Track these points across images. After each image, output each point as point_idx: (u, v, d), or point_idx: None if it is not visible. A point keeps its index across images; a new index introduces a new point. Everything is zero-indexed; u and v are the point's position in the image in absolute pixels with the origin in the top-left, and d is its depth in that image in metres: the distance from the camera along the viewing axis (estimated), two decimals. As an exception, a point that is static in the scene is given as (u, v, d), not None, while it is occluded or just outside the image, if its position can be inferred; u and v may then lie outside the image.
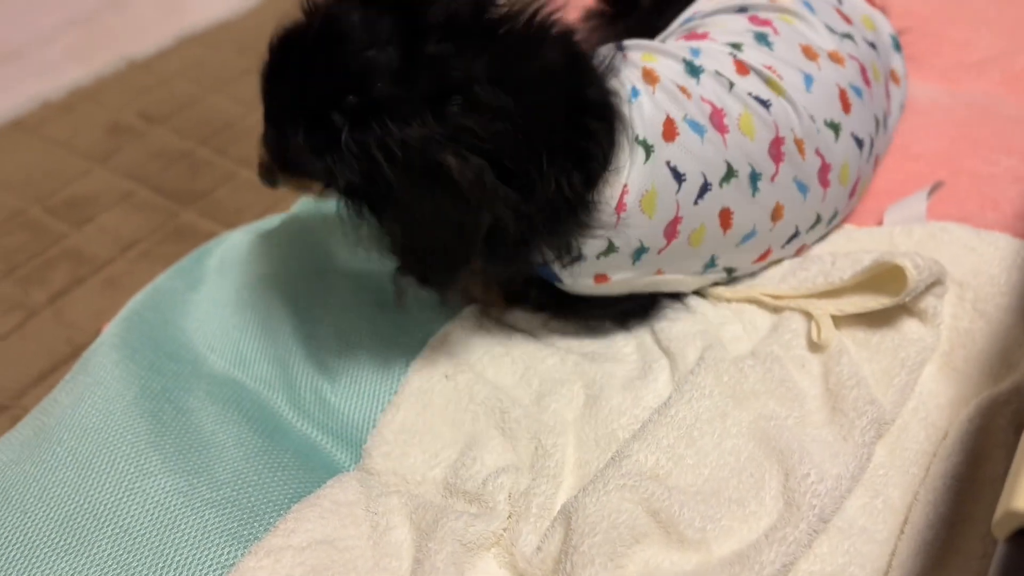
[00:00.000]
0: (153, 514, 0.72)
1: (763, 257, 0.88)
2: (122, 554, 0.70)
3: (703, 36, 0.88)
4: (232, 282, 0.97)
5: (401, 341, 0.88)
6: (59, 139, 1.44)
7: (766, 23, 0.89)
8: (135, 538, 0.71)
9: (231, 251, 1.02)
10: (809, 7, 0.94)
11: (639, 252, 0.79)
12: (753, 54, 0.85)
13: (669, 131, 0.77)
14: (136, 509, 0.72)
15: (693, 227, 0.80)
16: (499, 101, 0.66)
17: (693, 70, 0.81)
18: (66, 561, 0.70)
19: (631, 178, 0.75)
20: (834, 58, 0.89)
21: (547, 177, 0.69)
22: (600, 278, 0.80)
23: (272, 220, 1.10)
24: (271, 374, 0.86)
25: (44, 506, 0.73)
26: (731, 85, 0.82)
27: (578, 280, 0.80)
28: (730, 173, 0.80)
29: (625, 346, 0.85)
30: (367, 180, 0.67)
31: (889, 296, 0.80)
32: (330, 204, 1.10)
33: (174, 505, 0.72)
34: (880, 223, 0.95)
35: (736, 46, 0.86)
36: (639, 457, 0.70)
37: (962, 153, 1.05)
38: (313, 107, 0.69)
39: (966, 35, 1.26)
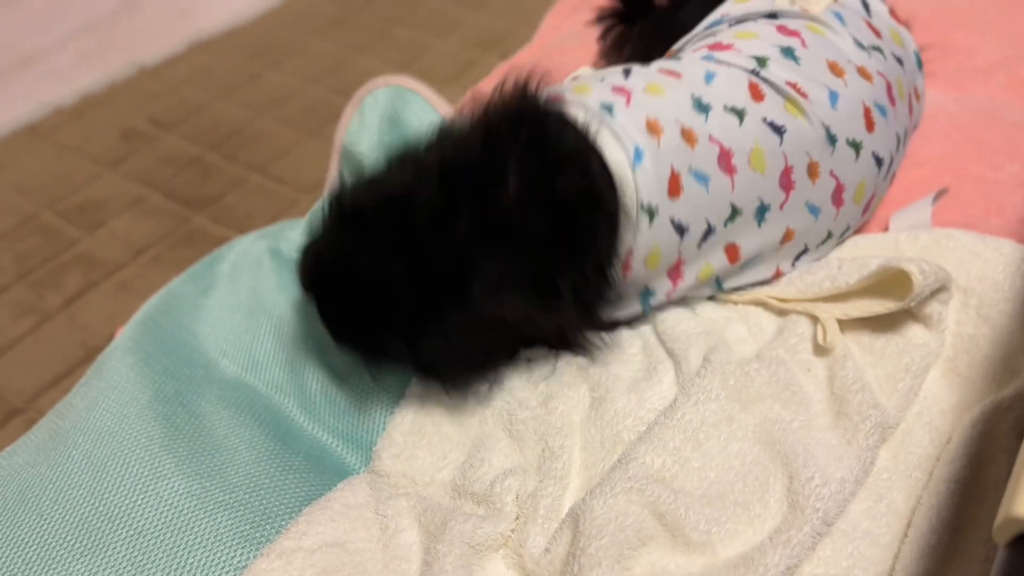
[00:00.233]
0: (167, 516, 0.73)
1: (774, 276, 0.89)
2: (136, 556, 0.71)
3: (728, 47, 0.87)
4: (244, 287, 0.98)
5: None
6: (71, 144, 1.46)
7: (795, 34, 0.88)
8: (149, 540, 0.72)
9: (243, 256, 1.03)
10: (840, 18, 0.93)
11: (646, 295, 0.83)
12: (778, 70, 0.83)
13: (674, 187, 0.76)
14: (150, 511, 0.73)
15: (699, 267, 0.82)
16: (517, 266, 0.72)
17: (701, 107, 0.79)
18: (81, 562, 0.71)
19: (636, 243, 0.76)
20: (862, 73, 0.88)
21: (565, 286, 0.74)
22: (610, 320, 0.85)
23: (283, 225, 1.11)
24: (282, 378, 0.88)
25: (60, 508, 0.74)
26: (742, 118, 0.80)
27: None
28: (735, 213, 0.81)
29: (630, 347, 0.86)
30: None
31: (895, 301, 0.81)
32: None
33: (187, 508, 0.73)
34: (886, 229, 0.95)
35: (761, 61, 0.84)
36: (645, 460, 0.71)
37: (967, 159, 1.05)
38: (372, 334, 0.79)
39: (971, 40, 1.27)
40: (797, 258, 0.88)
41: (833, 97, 0.85)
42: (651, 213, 0.76)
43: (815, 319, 0.84)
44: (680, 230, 0.79)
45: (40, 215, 1.31)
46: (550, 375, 0.82)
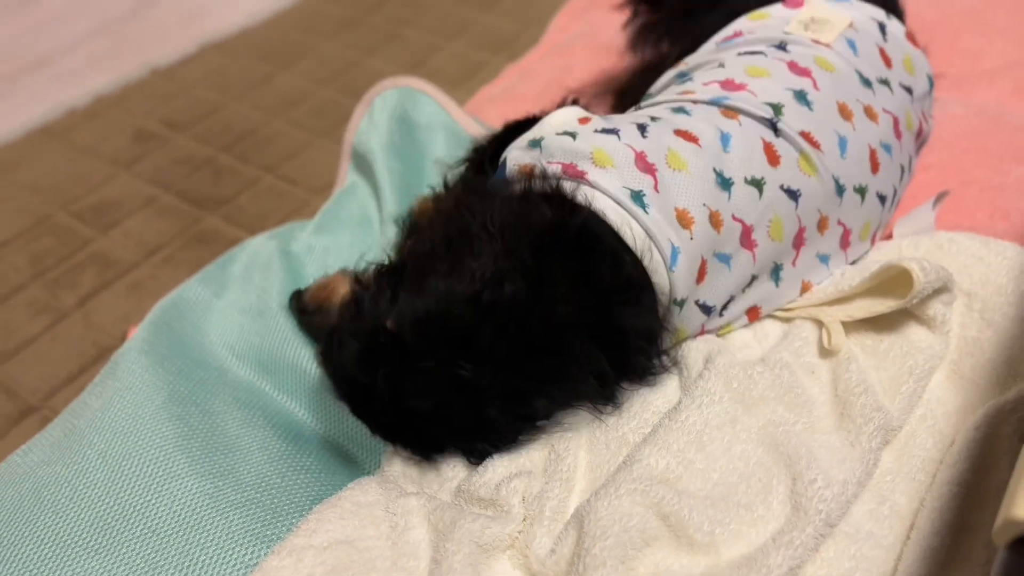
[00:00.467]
0: (180, 515, 0.74)
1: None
2: (150, 553, 0.72)
3: (741, 87, 0.86)
4: (254, 288, 0.99)
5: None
6: (85, 145, 1.47)
7: (806, 73, 0.87)
8: (163, 538, 0.73)
9: (254, 257, 1.04)
10: (852, 46, 0.92)
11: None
12: (793, 119, 0.83)
13: (700, 274, 0.78)
14: (164, 510, 0.75)
15: (720, 326, 0.85)
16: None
17: (724, 183, 0.78)
18: (97, 559, 0.72)
19: (665, 332, 0.78)
20: (869, 114, 0.88)
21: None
22: None
23: (293, 226, 1.13)
24: (292, 381, 0.89)
25: (76, 506, 0.76)
26: (761, 190, 0.79)
27: None
28: (753, 279, 0.83)
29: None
30: None
31: (897, 299, 0.82)
32: (351, 213, 1.14)
33: (200, 506, 0.75)
34: (890, 235, 0.96)
35: (777, 109, 0.83)
36: (650, 461, 0.72)
37: (972, 163, 1.05)
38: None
39: (977, 44, 1.27)
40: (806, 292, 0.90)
41: (843, 144, 0.85)
42: (681, 304, 0.78)
43: (819, 323, 0.84)
44: (705, 309, 0.81)
45: (54, 215, 1.32)
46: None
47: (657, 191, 0.76)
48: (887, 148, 0.89)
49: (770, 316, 0.88)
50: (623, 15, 1.20)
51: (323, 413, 0.87)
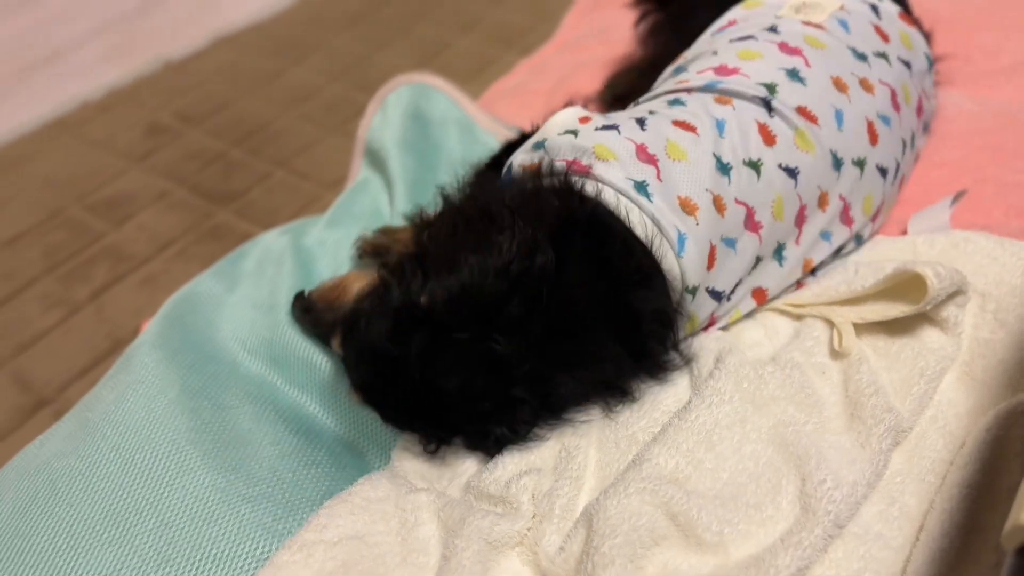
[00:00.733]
0: (192, 508, 0.75)
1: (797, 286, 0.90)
2: (163, 546, 0.73)
3: (734, 71, 0.87)
4: (267, 284, 1.00)
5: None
6: (98, 139, 1.48)
7: (796, 52, 0.88)
8: (175, 531, 0.74)
9: (266, 252, 1.05)
10: (844, 25, 0.93)
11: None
12: (788, 96, 0.84)
13: (711, 260, 0.78)
14: (176, 503, 0.75)
15: (730, 315, 0.85)
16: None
17: (723, 168, 0.79)
18: (110, 552, 0.73)
19: (679, 320, 0.78)
20: (864, 86, 0.88)
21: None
22: None
23: (305, 221, 1.13)
24: (303, 376, 0.89)
25: (89, 498, 0.76)
26: (759, 171, 0.80)
27: None
28: (758, 261, 0.83)
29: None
30: None
31: (910, 304, 0.81)
32: (363, 207, 1.14)
33: (212, 500, 0.75)
34: (904, 232, 0.95)
35: (771, 88, 0.84)
36: (659, 461, 0.72)
37: (987, 161, 1.04)
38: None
39: (995, 41, 1.26)
40: (813, 272, 0.90)
41: (839, 117, 0.85)
42: (693, 292, 0.78)
43: (831, 322, 0.84)
44: (716, 296, 0.81)
45: (68, 209, 1.33)
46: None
47: (660, 180, 0.77)
48: (885, 120, 0.90)
49: (780, 312, 0.88)
50: (634, 13, 1.20)
51: (334, 408, 0.87)
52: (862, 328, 0.84)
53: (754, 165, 0.80)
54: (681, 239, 0.75)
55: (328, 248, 1.06)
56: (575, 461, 0.75)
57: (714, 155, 0.79)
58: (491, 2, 1.78)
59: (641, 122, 0.82)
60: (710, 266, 0.78)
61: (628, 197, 0.75)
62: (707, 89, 0.86)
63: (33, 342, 1.12)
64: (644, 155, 0.78)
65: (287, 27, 1.78)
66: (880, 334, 0.84)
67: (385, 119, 1.19)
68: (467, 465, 0.78)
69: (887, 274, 0.82)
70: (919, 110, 0.98)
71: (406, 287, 0.71)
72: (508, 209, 0.72)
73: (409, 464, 0.80)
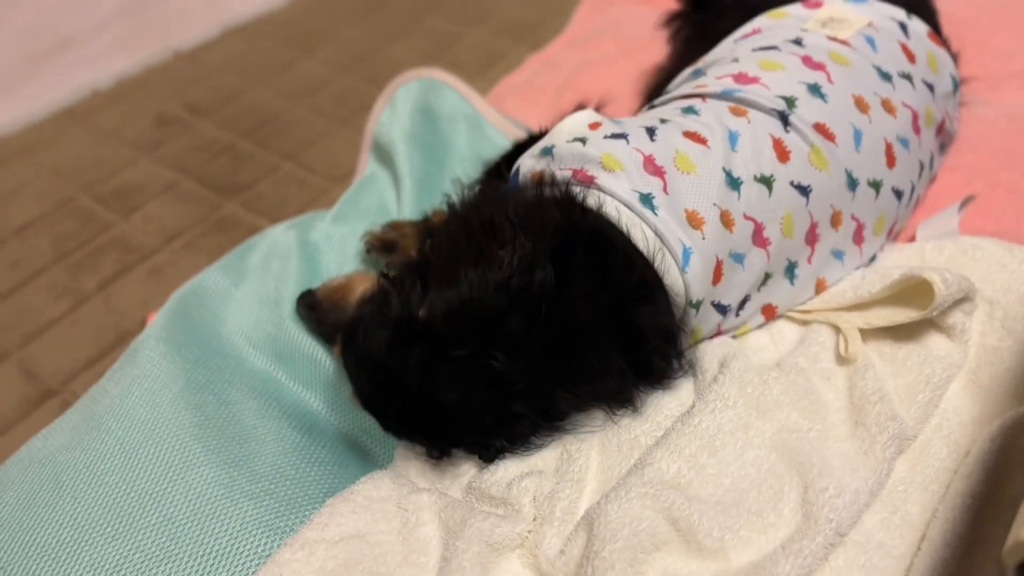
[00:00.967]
0: (195, 504, 0.75)
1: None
2: (165, 541, 0.73)
3: (754, 80, 0.85)
4: (273, 279, 1.00)
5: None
6: (108, 129, 1.48)
7: (820, 67, 0.87)
8: (178, 526, 0.74)
9: (273, 247, 1.05)
10: (871, 43, 0.92)
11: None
12: (807, 112, 0.83)
13: (717, 275, 0.77)
14: (179, 498, 0.76)
15: (737, 326, 0.85)
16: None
17: (733, 182, 0.78)
18: (113, 545, 0.73)
19: (683, 333, 0.78)
20: (886, 107, 0.87)
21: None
22: None
23: (312, 215, 1.13)
24: (308, 373, 0.90)
25: (93, 492, 0.77)
26: (771, 187, 0.79)
27: None
28: (767, 277, 0.82)
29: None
30: None
31: (917, 310, 0.81)
32: (370, 203, 1.14)
33: (215, 496, 0.76)
34: (912, 238, 0.95)
35: (790, 102, 0.83)
36: (661, 465, 0.72)
37: (1000, 165, 1.03)
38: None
39: (1010, 44, 1.25)
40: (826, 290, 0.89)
41: (858, 137, 0.84)
42: (697, 306, 0.77)
43: (837, 328, 0.84)
44: (721, 309, 0.81)
45: (77, 198, 1.34)
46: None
47: (666, 193, 0.76)
48: (904, 142, 0.89)
49: (787, 318, 0.88)
50: (646, 9, 1.19)
51: (338, 405, 0.87)
52: (868, 334, 0.83)
53: (766, 181, 0.79)
54: (686, 253, 0.75)
55: (334, 243, 1.06)
56: (577, 464, 0.75)
57: (724, 169, 0.78)
58: (502, -5, 1.78)
59: (651, 132, 0.81)
60: (716, 281, 0.77)
61: (632, 209, 0.74)
62: (724, 96, 0.85)
63: (40, 332, 1.12)
64: (652, 167, 0.77)
65: (298, 18, 1.78)
66: (886, 340, 0.83)
67: (394, 114, 1.18)
68: (469, 466, 0.78)
69: (894, 280, 0.81)
70: (939, 131, 0.97)
71: (405, 298, 0.71)
72: (510, 222, 0.72)
73: (411, 463, 0.80)
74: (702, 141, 0.80)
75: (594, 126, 0.83)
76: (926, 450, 0.77)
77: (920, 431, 0.77)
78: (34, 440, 0.84)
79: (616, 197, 0.75)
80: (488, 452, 0.76)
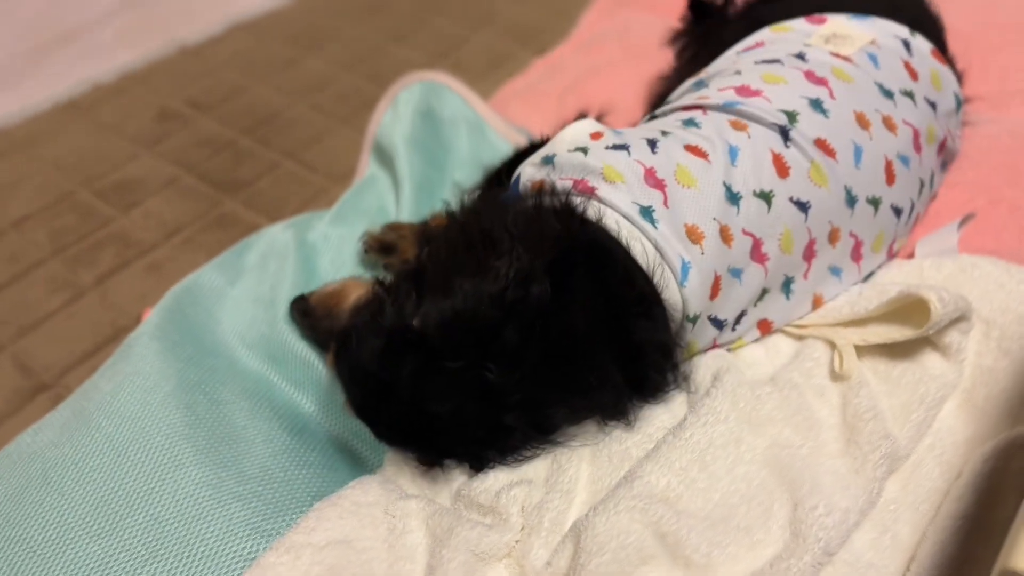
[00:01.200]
0: (182, 504, 0.75)
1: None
2: (151, 541, 0.73)
3: (756, 93, 0.85)
4: (269, 279, 1.00)
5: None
6: (109, 122, 1.48)
7: (822, 82, 0.86)
8: (164, 526, 0.74)
9: (271, 246, 1.05)
10: (873, 60, 0.91)
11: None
12: (808, 127, 0.82)
13: (714, 290, 0.77)
14: (167, 498, 0.76)
15: (732, 340, 0.84)
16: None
17: (733, 197, 0.78)
18: (98, 544, 0.73)
19: (678, 346, 0.78)
20: (887, 124, 0.87)
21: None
22: None
23: (311, 216, 1.13)
24: (300, 374, 0.90)
25: (81, 489, 0.77)
26: (770, 202, 0.79)
27: None
28: (764, 293, 0.82)
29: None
30: None
31: (913, 328, 0.80)
32: (369, 204, 1.14)
33: (202, 497, 0.75)
34: (911, 255, 0.94)
35: (791, 116, 0.83)
36: (651, 479, 0.72)
37: (1002, 182, 1.03)
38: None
39: (1016, 61, 1.24)
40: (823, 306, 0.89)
41: (858, 154, 0.84)
42: (694, 320, 0.77)
43: (832, 344, 0.83)
44: (717, 324, 0.80)
45: (77, 192, 1.33)
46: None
47: (667, 207, 0.75)
48: (904, 160, 0.88)
49: (782, 332, 0.87)
50: (652, 16, 1.19)
51: (329, 407, 0.87)
52: (863, 350, 0.83)
53: (765, 196, 0.79)
54: (685, 268, 0.74)
55: (332, 244, 1.06)
56: (567, 474, 0.75)
57: (724, 183, 0.78)
58: (509, -2, 1.77)
59: (652, 144, 0.80)
60: (714, 295, 0.77)
61: (632, 222, 0.74)
62: (725, 108, 0.84)
63: (36, 325, 1.12)
64: (653, 179, 0.77)
65: (304, 15, 1.77)
66: (881, 357, 0.83)
67: (396, 116, 1.18)
68: (458, 472, 0.78)
69: (891, 297, 0.81)
70: (941, 149, 0.97)
71: (400, 307, 0.70)
72: (508, 233, 0.71)
73: (401, 469, 0.80)
74: (703, 155, 0.79)
75: (595, 136, 0.82)
76: (918, 470, 0.76)
77: (913, 450, 0.77)
78: (24, 435, 0.84)
79: (616, 209, 0.74)
80: (479, 462, 0.76)
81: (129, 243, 1.25)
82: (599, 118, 0.90)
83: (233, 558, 0.72)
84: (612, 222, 0.74)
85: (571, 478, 0.75)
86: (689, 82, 0.96)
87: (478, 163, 1.11)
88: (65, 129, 1.47)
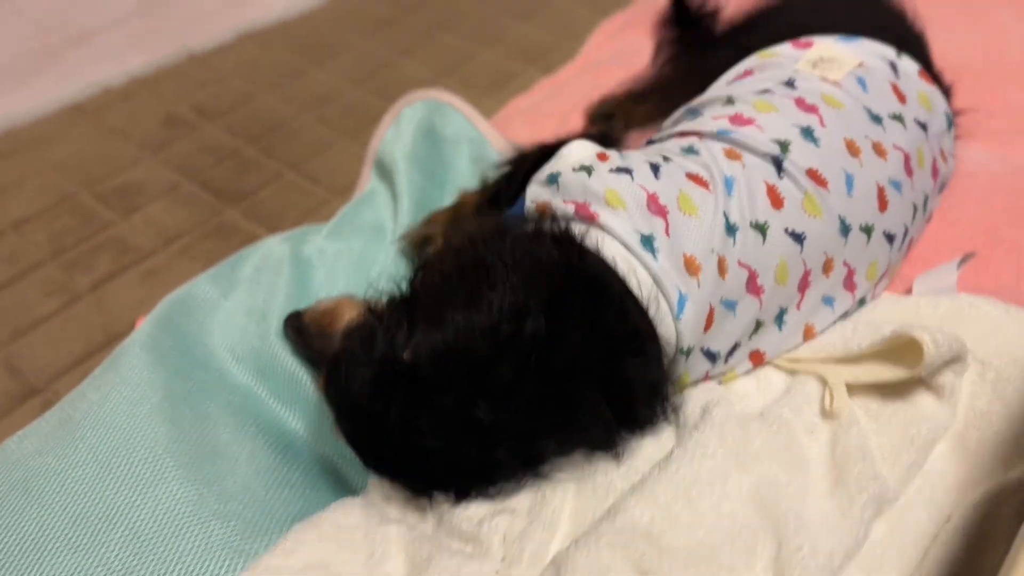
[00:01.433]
0: (162, 521, 0.75)
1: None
2: (128, 557, 0.72)
3: (749, 122, 0.85)
4: (262, 292, 0.99)
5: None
6: (115, 126, 1.49)
7: (813, 110, 0.86)
8: (142, 542, 0.73)
9: (266, 259, 1.04)
10: (862, 83, 0.91)
11: None
12: (800, 157, 0.82)
13: (708, 322, 0.76)
14: (146, 514, 0.75)
15: (724, 372, 0.83)
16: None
17: (730, 229, 0.77)
18: (75, 557, 0.73)
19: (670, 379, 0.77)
20: (878, 150, 0.86)
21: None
22: None
23: (307, 229, 1.12)
24: (288, 391, 0.89)
25: (61, 501, 0.76)
26: (765, 234, 0.78)
27: None
28: (759, 325, 0.81)
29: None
30: None
31: (906, 368, 0.80)
32: (366, 220, 1.13)
33: (182, 514, 0.75)
34: (909, 290, 0.94)
35: (784, 146, 0.82)
36: (634, 513, 0.71)
37: (1003, 222, 1.02)
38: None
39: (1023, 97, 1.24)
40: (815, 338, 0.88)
41: (849, 182, 0.83)
42: (687, 353, 0.77)
43: (824, 380, 0.82)
44: (711, 356, 0.80)
45: (78, 195, 1.33)
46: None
47: (668, 235, 0.75)
48: (896, 185, 0.88)
49: (774, 366, 0.87)
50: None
51: (316, 425, 0.87)
52: (855, 388, 0.82)
53: (760, 228, 0.78)
54: (681, 301, 0.74)
55: (327, 258, 1.05)
56: (550, 506, 0.74)
57: (724, 213, 0.78)
58: (518, 17, 1.77)
59: (656, 168, 0.80)
60: (707, 328, 0.76)
61: (632, 252, 0.73)
62: (719, 137, 0.84)
63: (29, 329, 1.12)
64: (655, 206, 0.76)
65: (314, 27, 1.78)
66: (873, 396, 0.82)
67: (398, 133, 1.18)
68: (442, 498, 0.77)
69: (885, 336, 0.80)
70: (934, 172, 0.96)
71: (391, 337, 0.69)
72: (503, 262, 0.70)
73: (385, 491, 0.79)
74: (704, 184, 0.79)
75: (601, 156, 0.82)
76: (906, 513, 0.75)
77: (902, 493, 0.76)
78: (8, 442, 0.84)
79: (617, 237, 0.74)
80: (467, 497, 0.74)
81: (127, 249, 1.25)
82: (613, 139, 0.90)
83: (210, 577, 0.71)
84: (611, 253, 0.73)
85: (554, 509, 0.74)
86: (681, 110, 0.96)
87: (478, 181, 1.10)
88: (71, 131, 1.47)
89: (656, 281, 0.73)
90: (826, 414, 0.80)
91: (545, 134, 1.24)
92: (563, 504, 0.75)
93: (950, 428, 0.81)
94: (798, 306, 0.83)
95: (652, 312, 0.72)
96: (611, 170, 0.80)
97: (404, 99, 1.21)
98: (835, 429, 0.79)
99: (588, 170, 0.80)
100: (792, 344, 0.86)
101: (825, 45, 0.97)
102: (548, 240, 0.73)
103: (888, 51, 0.97)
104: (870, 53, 0.96)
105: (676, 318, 0.73)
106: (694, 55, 1.16)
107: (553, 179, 0.81)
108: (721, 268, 0.76)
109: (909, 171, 0.89)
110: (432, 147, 1.17)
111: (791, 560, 0.68)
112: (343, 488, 0.82)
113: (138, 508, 0.75)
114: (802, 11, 1.11)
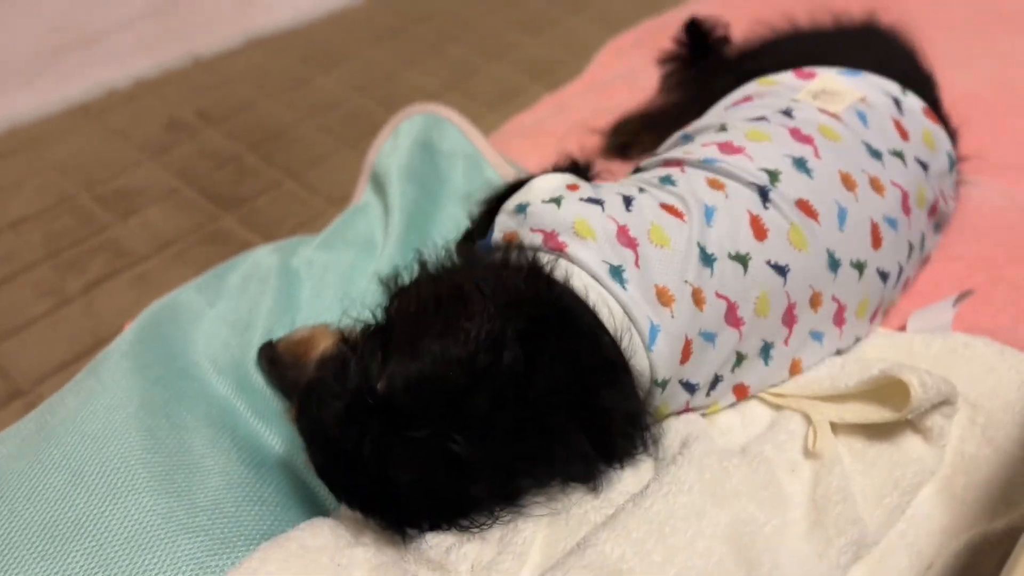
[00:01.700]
0: (130, 532, 0.73)
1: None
2: (94, 568, 0.71)
3: (739, 151, 0.83)
4: (248, 302, 0.98)
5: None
6: (118, 128, 1.49)
7: (808, 140, 0.84)
8: (109, 554, 0.72)
9: (254, 269, 1.04)
10: (862, 118, 0.89)
11: None
12: (789, 187, 0.80)
13: (685, 354, 0.75)
14: (115, 524, 0.74)
15: (706, 405, 0.82)
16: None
17: (707, 259, 0.76)
18: (41, 565, 0.71)
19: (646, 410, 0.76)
20: (875, 186, 0.85)
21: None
22: None
23: (298, 240, 1.12)
24: (265, 405, 0.88)
25: (31, 507, 0.75)
26: (746, 265, 0.77)
27: None
28: (740, 359, 0.80)
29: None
30: None
31: (892, 410, 0.78)
32: (357, 232, 1.12)
33: (151, 526, 0.74)
34: (903, 327, 0.92)
35: (773, 176, 0.81)
36: (605, 548, 0.69)
37: (1004, 259, 1.00)
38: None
39: (1031, 132, 1.22)
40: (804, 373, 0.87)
41: (842, 216, 0.82)
42: (663, 384, 0.75)
43: (809, 419, 0.81)
44: (689, 388, 0.78)
45: (76, 196, 1.34)
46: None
47: (637, 267, 0.74)
48: (892, 222, 0.86)
49: (759, 399, 0.85)
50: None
51: (291, 441, 0.86)
52: (840, 427, 0.80)
53: (741, 259, 0.77)
54: (653, 332, 0.72)
55: (315, 270, 1.04)
56: (521, 536, 0.72)
57: (699, 244, 0.76)
58: (526, 32, 1.77)
59: (628, 200, 0.79)
60: (684, 360, 0.75)
61: (601, 283, 0.72)
62: (704, 165, 0.83)
63: (18, 330, 1.12)
64: (625, 237, 0.75)
65: (321, 35, 1.78)
66: (859, 435, 0.80)
67: (395, 146, 1.18)
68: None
69: (872, 375, 0.78)
70: (933, 212, 0.94)
71: (364, 368, 0.67)
72: (478, 290, 0.69)
73: (355, 513, 0.78)
74: (679, 215, 0.78)
75: (572, 187, 0.81)
76: (887, 558, 0.73)
77: (883, 537, 0.74)
78: (-14, 445, 0.83)
79: (585, 268, 0.73)
80: (442, 529, 0.72)
81: (121, 252, 1.25)
82: (587, 167, 0.89)
83: (174, 593, 0.70)
84: (580, 284, 0.72)
85: (525, 539, 0.72)
86: (676, 135, 0.95)
87: (472, 198, 1.10)
88: (74, 132, 1.48)
89: (626, 311, 0.72)
90: (809, 452, 0.78)
91: (543, 152, 1.23)
92: (534, 534, 0.73)
93: (937, 472, 0.79)
94: (786, 341, 0.82)
95: (624, 343, 0.71)
96: (581, 199, 0.79)
97: (403, 112, 1.20)
98: (818, 468, 0.77)
99: (557, 201, 0.79)
100: (778, 379, 0.84)
101: (828, 77, 0.95)
102: (515, 271, 0.72)
103: (892, 87, 0.95)
104: (874, 88, 0.94)
105: (648, 349, 0.72)
106: (703, 80, 1.15)
107: (521, 208, 0.80)
108: (697, 299, 0.75)
109: (907, 209, 0.87)
110: (428, 161, 1.16)
111: (763, 602, 0.66)
112: (315, 507, 0.81)
113: (107, 518, 0.74)
114: (810, 41, 1.10)
